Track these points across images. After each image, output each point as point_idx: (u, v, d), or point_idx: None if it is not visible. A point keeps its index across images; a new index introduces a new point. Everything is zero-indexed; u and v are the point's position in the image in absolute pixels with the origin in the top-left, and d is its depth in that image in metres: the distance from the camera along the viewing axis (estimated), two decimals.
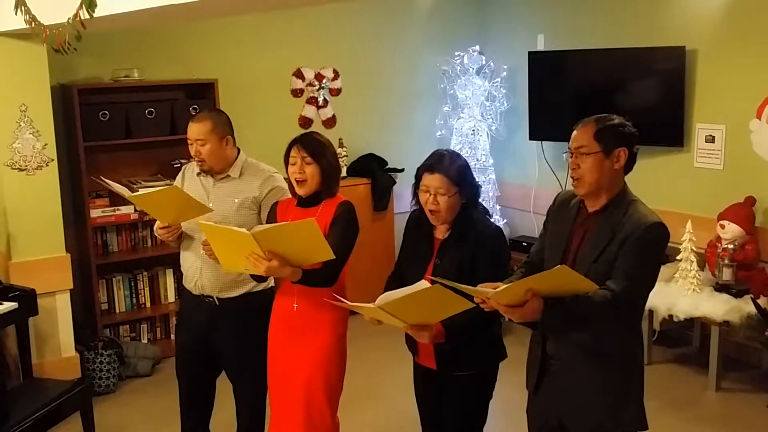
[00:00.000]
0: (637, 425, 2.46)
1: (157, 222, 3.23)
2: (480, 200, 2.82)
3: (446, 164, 2.68)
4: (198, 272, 3.25)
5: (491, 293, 2.16)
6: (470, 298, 2.27)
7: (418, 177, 2.74)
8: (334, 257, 2.72)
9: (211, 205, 3.20)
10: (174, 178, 3.57)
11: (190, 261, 3.29)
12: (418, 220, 2.81)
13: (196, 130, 3.20)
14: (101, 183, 3.37)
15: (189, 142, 3.22)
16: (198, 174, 3.31)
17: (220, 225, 2.86)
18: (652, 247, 2.32)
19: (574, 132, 2.42)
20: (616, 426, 2.43)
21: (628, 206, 2.37)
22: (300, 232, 2.67)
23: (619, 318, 2.32)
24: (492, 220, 2.89)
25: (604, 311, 2.22)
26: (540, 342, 2.51)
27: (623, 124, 2.41)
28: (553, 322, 2.22)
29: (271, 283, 3.26)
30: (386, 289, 2.57)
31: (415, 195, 2.77)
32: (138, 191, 4.72)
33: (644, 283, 2.34)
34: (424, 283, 2.29)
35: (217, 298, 3.25)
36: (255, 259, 2.70)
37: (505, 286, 2.17)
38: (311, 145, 2.95)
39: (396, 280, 2.79)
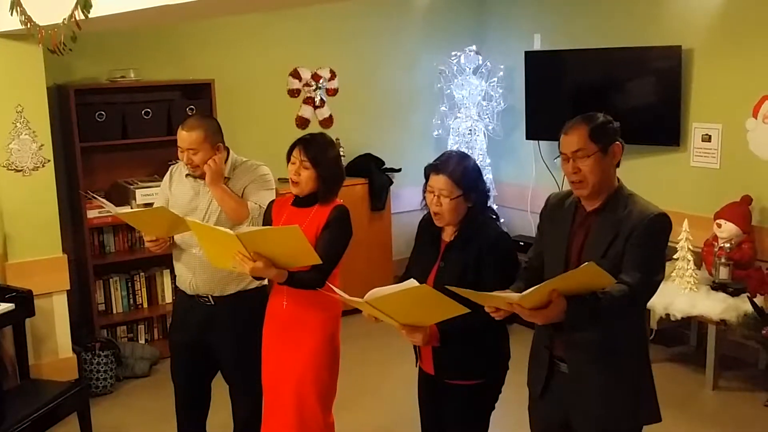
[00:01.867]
0: (653, 418, 2.48)
1: (146, 235, 3.24)
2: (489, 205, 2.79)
3: (451, 166, 2.67)
4: (192, 272, 3.25)
5: (516, 298, 2.15)
6: (467, 303, 2.23)
7: (426, 176, 2.74)
8: (321, 262, 2.73)
9: (200, 205, 3.21)
10: None
11: (184, 264, 3.29)
12: (428, 223, 2.79)
13: (187, 138, 3.13)
14: (90, 197, 3.35)
15: (180, 149, 3.17)
16: (187, 175, 3.29)
17: (207, 224, 2.86)
18: (659, 237, 2.36)
19: (565, 136, 2.43)
20: (635, 422, 2.45)
21: (626, 201, 2.39)
22: (285, 236, 2.70)
23: (637, 309, 2.36)
24: (500, 225, 2.81)
25: (624, 304, 2.24)
26: (547, 344, 2.49)
27: (609, 120, 2.44)
28: (577, 320, 2.22)
29: (265, 281, 3.24)
30: None
31: (425, 196, 2.76)
32: (135, 191, 4.77)
33: (656, 273, 2.36)
34: (412, 282, 2.26)
35: (211, 297, 3.25)
36: (241, 259, 2.72)
37: (530, 290, 2.14)
38: (313, 150, 2.93)
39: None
